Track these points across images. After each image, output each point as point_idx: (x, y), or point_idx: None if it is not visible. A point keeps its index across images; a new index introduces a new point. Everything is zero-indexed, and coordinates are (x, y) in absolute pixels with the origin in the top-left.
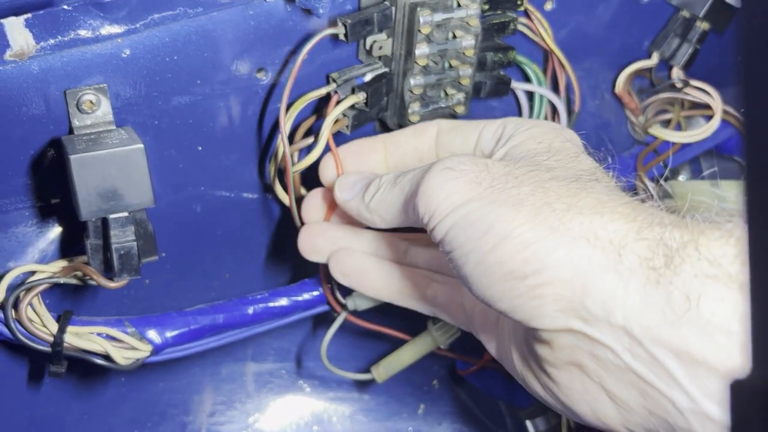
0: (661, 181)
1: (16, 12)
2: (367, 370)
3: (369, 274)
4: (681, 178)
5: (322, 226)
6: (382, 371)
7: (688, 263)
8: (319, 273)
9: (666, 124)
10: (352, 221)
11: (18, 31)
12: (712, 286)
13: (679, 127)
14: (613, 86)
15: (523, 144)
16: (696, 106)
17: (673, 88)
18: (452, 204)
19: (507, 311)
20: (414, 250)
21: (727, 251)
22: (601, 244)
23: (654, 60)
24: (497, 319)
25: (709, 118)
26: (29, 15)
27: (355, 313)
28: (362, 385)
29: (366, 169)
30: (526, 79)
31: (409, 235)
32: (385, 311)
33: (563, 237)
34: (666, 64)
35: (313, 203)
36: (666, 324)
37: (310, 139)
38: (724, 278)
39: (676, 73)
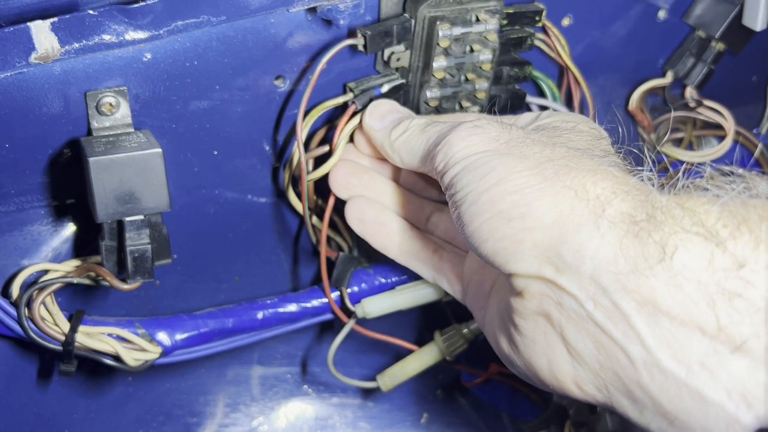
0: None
1: (43, 15)
2: (372, 377)
3: (385, 227)
4: None
5: (358, 167)
6: (388, 381)
7: (670, 220)
8: (328, 280)
9: (678, 142)
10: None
11: (44, 34)
12: (691, 241)
13: (690, 147)
14: (627, 103)
15: (552, 122)
16: (708, 125)
17: (686, 107)
18: (467, 153)
19: (489, 254)
20: (436, 217)
21: (711, 212)
22: (587, 197)
23: (668, 78)
24: (489, 291)
25: (722, 138)
26: (55, 19)
27: (363, 320)
28: (366, 392)
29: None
30: (541, 93)
31: (434, 204)
32: (392, 320)
33: (553, 186)
34: (680, 83)
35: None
36: (635, 273)
37: (326, 148)
38: (705, 234)
39: (690, 93)
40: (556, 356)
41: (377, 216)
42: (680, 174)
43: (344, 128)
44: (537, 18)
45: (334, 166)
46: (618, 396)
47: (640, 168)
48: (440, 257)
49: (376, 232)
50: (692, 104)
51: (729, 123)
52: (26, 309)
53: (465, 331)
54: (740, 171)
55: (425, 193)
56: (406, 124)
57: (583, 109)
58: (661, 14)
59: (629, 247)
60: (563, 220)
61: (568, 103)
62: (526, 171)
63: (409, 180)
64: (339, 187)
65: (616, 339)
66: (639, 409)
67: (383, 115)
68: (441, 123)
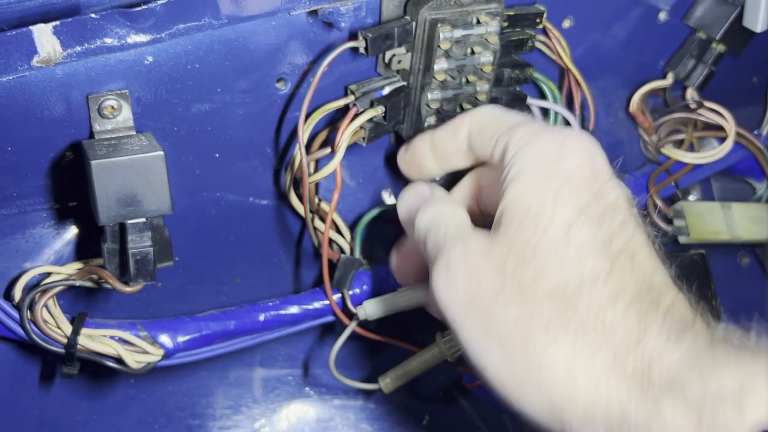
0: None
1: (45, 19)
2: (374, 379)
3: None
4: (691, 198)
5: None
6: (390, 382)
7: None
8: (330, 282)
9: (679, 144)
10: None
11: (46, 37)
12: None
13: (691, 148)
14: (627, 105)
15: (518, 203)
16: (709, 127)
17: (686, 108)
18: (451, 313)
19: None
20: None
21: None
22: (571, 412)
23: (669, 80)
24: None
25: (722, 139)
26: (57, 22)
27: (365, 322)
28: (368, 394)
29: (421, 170)
30: (542, 95)
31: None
32: (393, 322)
33: (530, 387)
34: (680, 85)
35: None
36: None
37: (327, 150)
38: None
39: (691, 94)
40: None
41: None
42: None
43: (346, 130)
44: (538, 20)
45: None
46: None
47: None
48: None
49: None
50: (693, 106)
51: (730, 124)
52: (28, 312)
53: None
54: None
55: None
56: (418, 218)
57: (583, 111)
58: (662, 16)
59: None
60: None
61: (569, 105)
62: (503, 366)
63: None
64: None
65: None
66: None
67: (408, 204)
68: (442, 226)
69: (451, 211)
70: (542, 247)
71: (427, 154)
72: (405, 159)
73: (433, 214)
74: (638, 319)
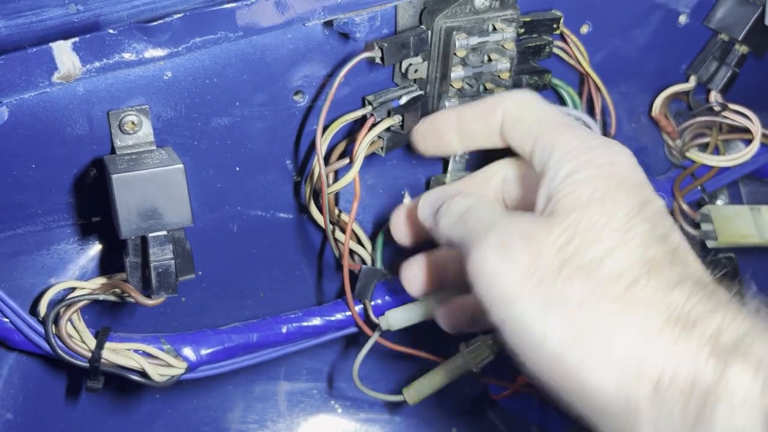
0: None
1: (65, 36)
2: (399, 392)
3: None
4: (719, 202)
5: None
6: (414, 394)
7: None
8: (351, 293)
9: (704, 147)
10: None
11: (66, 54)
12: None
13: (717, 151)
14: (650, 109)
15: (575, 190)
16: (734, 129)
17: (711, 111)
18: (499, 293)
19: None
20: None
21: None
22: (641, 376)
23: (691, 83)
24: None
25: (748, 141)
26: (77, 39)
27: (387, 333)
28: (394, 407)
29: (441, 144)
30: (562, 102)
31: None
32: (416, 333)
33: (599, 359)
34: (704, 88)
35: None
36: None
37: (346, 161)
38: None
39: (714, 97)
40: None
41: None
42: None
43: (363, 141)
44: (555, 26)
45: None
46: None
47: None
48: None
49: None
50: (717, 108)
51: (756, 126)
52: (53, 326)
53: (491, 342)
54: None
55: None
56: (446, 206)
57: (605, 117)
58: (682, 19)
59: None
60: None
61: (590, 111)
62: (567, 339)
63: None
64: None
65: None
66: None
67: (431, 203)
68: (478, 211)
69: (487, 198)
70: (606, 233)
71: (451, 129)
72: (424, 131)
73: (473, 199)
74: (702, 300)
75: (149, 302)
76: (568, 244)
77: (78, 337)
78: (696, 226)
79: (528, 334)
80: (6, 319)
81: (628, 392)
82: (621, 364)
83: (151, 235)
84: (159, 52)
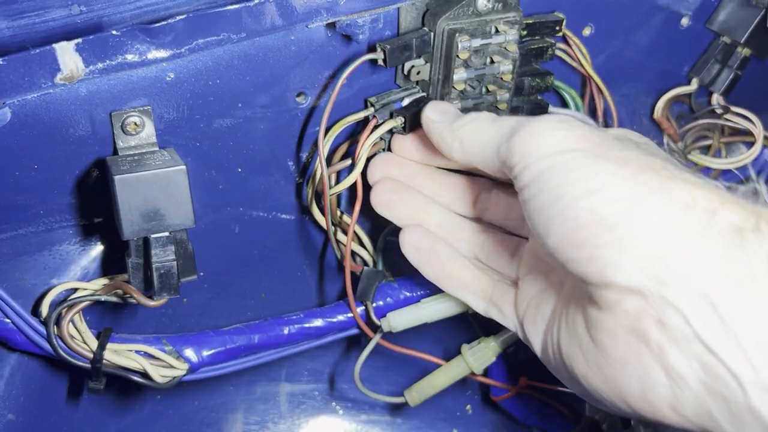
0: None
1: (68, 37)
2: (400, 393)
3: (439, 257)
4: None
5: (397, 184)
6: (415, 395)
7: None
8: (353, 294)
9: (705, 150)
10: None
11: (68, 55)
12: None
13: (719, 154)
14: (652, 112)
15: (623, 134)
16: (736, 132)
17: (712, 114)
18: (556, 148)
19: (583, 260)
20: (482, 204)
21: None
22: (697, 209)
23: (693, 86)
24: (550, 314)
25: (750, 144)
26: (80, 40)
27: (388, 335)
28: (395, 409)
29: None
30: (564, 104)
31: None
32: (418, 334)
33: (663, 197)
34: (706, 90)
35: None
36: (744, 291)
37: (348, 161)
38: None
39: (716, 99)
40: (651, 380)
41: (433, 245)
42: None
43: (366, 142)
44: (557, 28)
45: (375, 186)
46: (721, 421)
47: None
48: (492, 288)
49: (430, 261)
50: (719, 111)
51: (758, 128)
52: (55, 327)
53: (493, 344)
54: None
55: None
56: (474, 114)
57: (606, 119)
58: (684, 21)
59: (737, 261)
60: (673, 230)
61: (592, 113)
62: (631, 178)
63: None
64: (381, 205)
65: (726, 361)
66: None
67: (444, 111)
68: (514, 117)
69: None
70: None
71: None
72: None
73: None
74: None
75: (151, 303)
76: (606, 137)
77: (80, 337)
78: None
79: (575, 173)
80: (8, 320)
81: (677, 216)
82: (674, 210)
83: (153, 236)
84: (162, 54)
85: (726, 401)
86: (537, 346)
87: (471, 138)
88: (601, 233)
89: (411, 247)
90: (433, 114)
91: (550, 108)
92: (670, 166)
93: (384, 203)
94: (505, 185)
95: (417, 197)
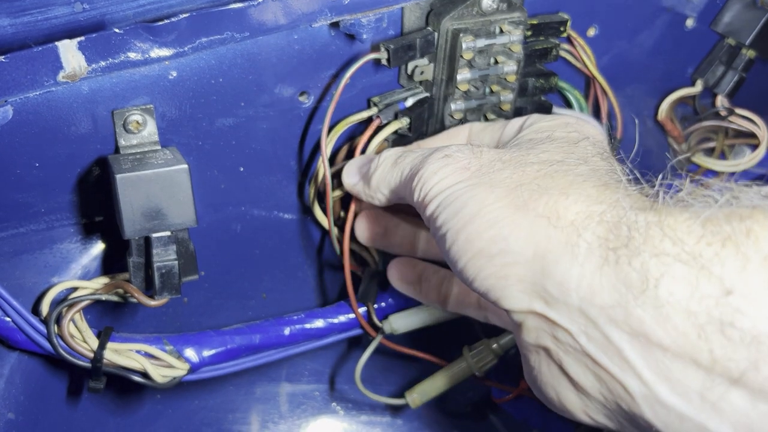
0: None
1: (70, 35)
2: (401, 394)
3: (429, 282)
4: None
5: (378, 214)
6: (417, 397)
7: (650, 243)
8: (354, 295)
9: (710, 152)
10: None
11: (71, 53)
12: (673, 266)
13: (723, 156)
14: (656, 113)
15: (528, 133)
16: (741, 134)
17: (717, 116)
18: (440, 188)
19: (482, 291)
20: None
21: (693, 230)
22: (562, 224)
23: (698, 87)
24: None
25: (755, 147)
26: (82, 38)
27: (390, 336)
28: (396, 410)
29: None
30: (568, 104)
31: None
32: (419, 336)
33: (527, 216)
34: (710, 92)
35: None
36: (621, 305)
37: None
38: (686, 257)
39: (721, 101)
40: (562, 388)
41: (422, 273)
42: (657, 187)
43: (371, 143)
44: (562, 29)
45: (356, 222)
46: (628, 425)
47: (627, 179)
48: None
49: (422, 290)
50: (723, 113)
51: (762, 131)
52: (56, 326)
53: (494, 346)
54: (725, 184)
55: None
56: (377, 161)
57: (610, 120)
58: (689, 23)
59: (610, 276)
60: (542, 252)
61: (596, 114)
62: (497, 202)
63: None
64: (367, 240)
65: (614, 373)
66: None
67: (360, 167)
68: (412, 153)
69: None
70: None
71: None
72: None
73: (400, 148)
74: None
75: (152, 303)
76: (504, 154)
77: (80, 337)
78: None
79: (453, 207)
80: (8, 319)
81: (542, 233)
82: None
83: (154, 235)
84: (164, 52)
85: (623, 410)
86: None
87: (382, 186)
88: (485, 265)
89: (398, 281)
90: (349, 179)
91: (554, 108)
92: (544, 176)
93: (370, 238)
94: None
95: (402, 227)
